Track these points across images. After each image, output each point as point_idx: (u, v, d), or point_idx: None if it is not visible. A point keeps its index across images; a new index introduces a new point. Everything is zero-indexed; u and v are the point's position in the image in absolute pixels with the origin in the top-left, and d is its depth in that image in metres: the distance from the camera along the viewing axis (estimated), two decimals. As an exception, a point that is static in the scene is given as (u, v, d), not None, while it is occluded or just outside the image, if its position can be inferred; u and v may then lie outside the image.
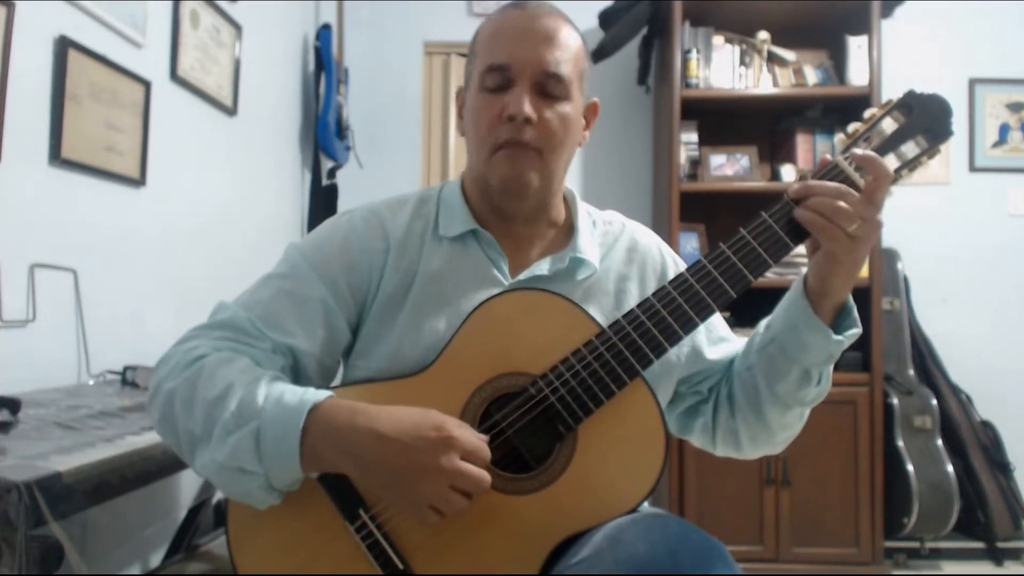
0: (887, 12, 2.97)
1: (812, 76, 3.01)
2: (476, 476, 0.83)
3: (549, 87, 0.98)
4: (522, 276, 1.02)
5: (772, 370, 0.99)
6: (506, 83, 0.98)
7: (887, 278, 3.02)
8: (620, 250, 1.09)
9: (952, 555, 3.01)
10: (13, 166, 1.64)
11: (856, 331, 0.95)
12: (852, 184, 0.91)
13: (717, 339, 1.10)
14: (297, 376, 0.98)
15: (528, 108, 0.96)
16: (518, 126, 0.97)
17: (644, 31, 3.15)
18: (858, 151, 0.91)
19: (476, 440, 0.85)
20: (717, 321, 1.11)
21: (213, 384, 0.88)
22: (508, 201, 1.04)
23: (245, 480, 0.85)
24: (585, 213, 1.11)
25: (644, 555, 0.76)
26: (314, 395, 0.87)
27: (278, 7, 3.05)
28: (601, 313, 1.00)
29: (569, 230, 1.09)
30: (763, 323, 1.03)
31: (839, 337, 0.94)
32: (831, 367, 0.99)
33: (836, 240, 0.89)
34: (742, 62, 3.02)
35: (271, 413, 0.85)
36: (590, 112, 1.08)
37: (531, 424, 0.91)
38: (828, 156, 0.95)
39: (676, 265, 1.11)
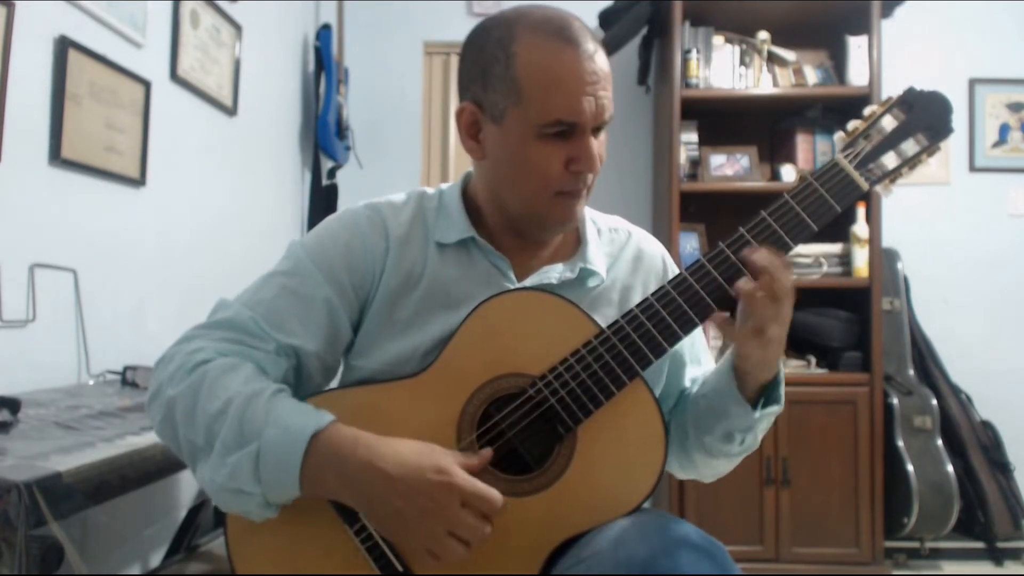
0: (887, 12, 2.96)
1: (812, 76, 3.01)
2: (475, 527, 0.82)
3: (603, 126, 0.97)
4: (529, 283, 1.02)
5: (700, 423, 1.01)
6: (569, 132, 0.94)
7: (887, 278, 3.01)
8: (626, 260, 1.09)
9: (952, 555, 3.01)
10: (13, 166, 1.64)
11: (776, 408, 0.95)
12: (853, 185, 0.91)
13: (696, 359, 1.11)
14: (299, 375, 0.98)
15: (598, 162, 0.96)
16: (585, 176, 0.96)
17: (644, 31, 3.15)
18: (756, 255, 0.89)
19: (481, 487, 0.83)
20: (700, 338, 1.12)
21: (215, 396, 0.87)
22: (549, 233, 1.04)
23: (243, 500, 0.85)
24: (590, 221, 1.10)
25: (644, 556, 0.76)
26: (316, 420, 0.85)
27: (278, 7, 3.05)
28: (606, 322, 1.00)
29: (574, 237, 1.09)
30: (702, 376, 1.06)
31: (757, 414, 0.94)
32: (759, 431, 0.99)
33: (750, 337, 0.89)
34: (742, 62, 3.02)
35: (272, 435, 0.84)
36: None
37: (530, 425, 0.91)
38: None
39: None
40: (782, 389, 0.96)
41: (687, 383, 1.10)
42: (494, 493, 0.83)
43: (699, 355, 1.12)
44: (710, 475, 1.09)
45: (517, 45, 0.93)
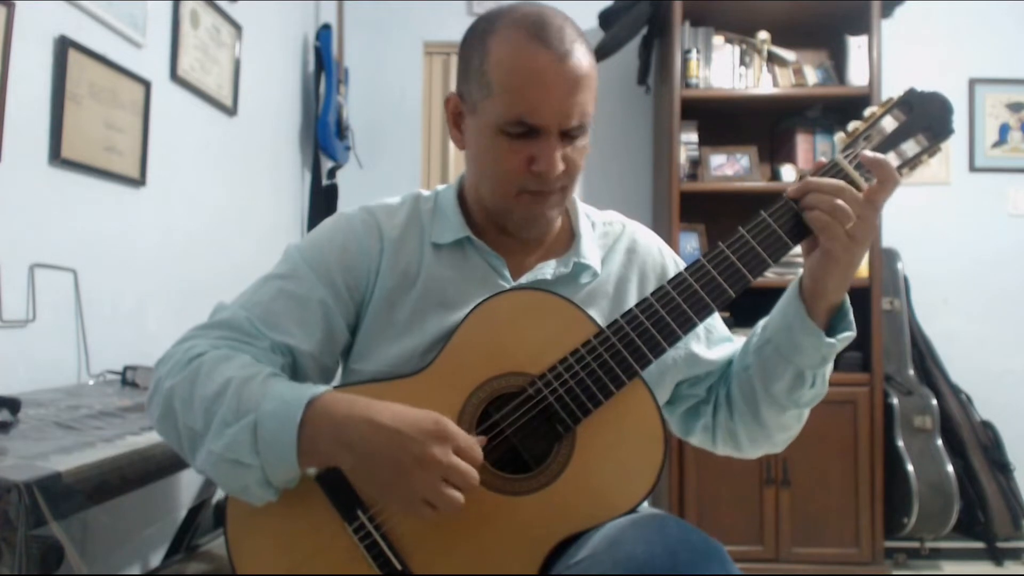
0: (887, 12, 2.97)
1: (812, 76, 3.01)
2: (467, 470, 0.83)
3: (573, 131, 0.95)
4: (524, 280, 1.02)
5: (768, 371, 0.99)
6: (531, 132, 0.93)
7: (887, 278, 3.01)
8: (620, 252, 1.09)
9: (952, 555, 3.01)
10: (13, 166, 1.64)
11: (850, 334, 0.95)
12: (853, 184, 0.91)
13: (717, 340, 1.10)
14: (296, 376, 0.98)
15: (560, 164, 0.95)
16: (547, 179, 0.95)
17: (644, 31, 3.15)
18: (868, 152, 0.91)
19: (470, 438, 0.85)
20: (716, 322, 1.11)
21: (212, 380, 0.88)
22: (521, 232, 1.03)
23: (241, 473, 0.85)
24: (584, 216, 1.11)
25: (643, 556, 0.76)
26: (312, 389, 0.87)
27: (278, 7, 3.05)
28: (601, 316, 1.00)
29: (569, 233, 1.09)
30: (760, 324, 1.03)
31: (832, 340, 0.94)
32: (828, 369, 0.99)
33: (835, 239, 0.89)
34: (742, 62, 3.02)
35: (269, 406, 0.85)
36: None
37: (530, 424, 0.91)
38: (823, 159, 0.94)
39: (676, 266, 1.11)
40: (851, 315, 0.96)
41: (716, 357, 1.08)
42: (477, 447, 0.85)
43: (719, 336, 1.10)
44: (781, 438, 1.07)
45: (493, 40, 0.95)
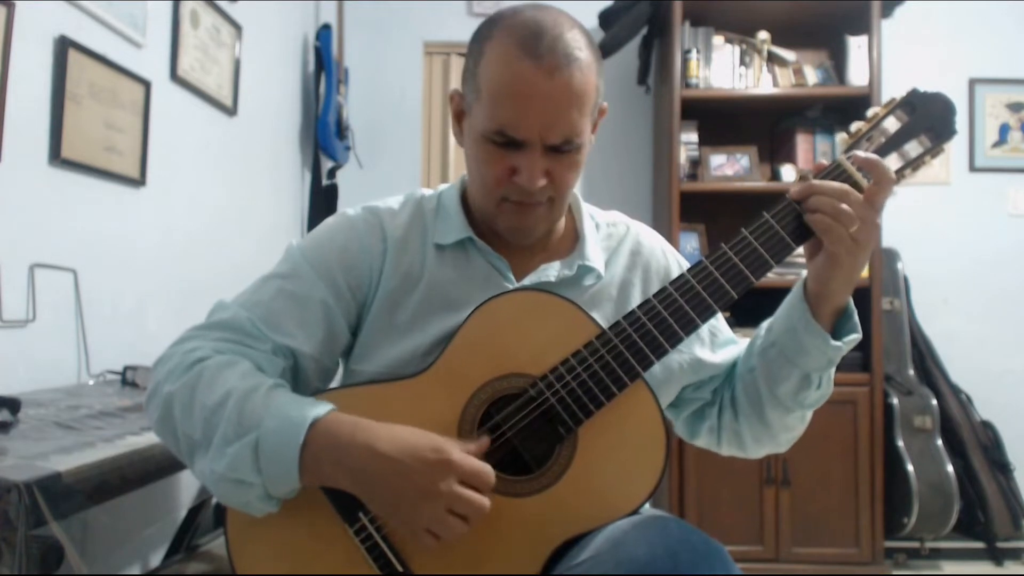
0: (887, 12, 2.96)
1: (812, 76, 3.01)
2: (474, 501, 0.82)
3: (561, 147, 0.93)
4: (527, 281, 1.02)
5: (772, 373, 0.99)
6: (514, 144, 0.92)
7: (887, 278, 3.01)
8: (624, 254, 1.09)
9: (952, 555, 3.02)
10: (13, 166, 1.64)
11: (856, 336, 0.95)
12: (855, 185, 0.91)
13: (721, 343, 1.10)
14: (296, 377, 0.98)
15: (541, 180, 0.93)
16: (528, 191, 0.94)
17: (644, 31, 3.15)
18: (860, 153, 0.91)
19: (476, 463, 0.84)
20: (721, 325, 1.10)
21: (212, 390, 0.87)
22: (512, 240, 1.02)
23: (243, 491, 0.85)
24: (588, 216, 1.10)
25: (644, 557, 0.76)
26: (315, 409, 0.86)
27: (278, 7, 3.05)
28: (605, 318, 0.99)
29: (572, 235, 1.08)
30: (764, 325, 1.03)
31: (838, 343, 0.94)
32: (832, 371, 0.99)
33: (839, 242, 0.88)
34: (742, 62, 3.02)
35: (271, 425, 0.84)
36: (598, 117, 1.00)
37: (531, 426, 0.91)
38: (823, 161, 0.94)
39: (680, 267, 1.10)
40: (856, 317, 0.96)
41: (721, 360, 1.08)
42: (487, 468, 0.84)
43: (724, 339, 1.10)
44: (786, 438, 1.07)
45: (488, 45, 0.93)
